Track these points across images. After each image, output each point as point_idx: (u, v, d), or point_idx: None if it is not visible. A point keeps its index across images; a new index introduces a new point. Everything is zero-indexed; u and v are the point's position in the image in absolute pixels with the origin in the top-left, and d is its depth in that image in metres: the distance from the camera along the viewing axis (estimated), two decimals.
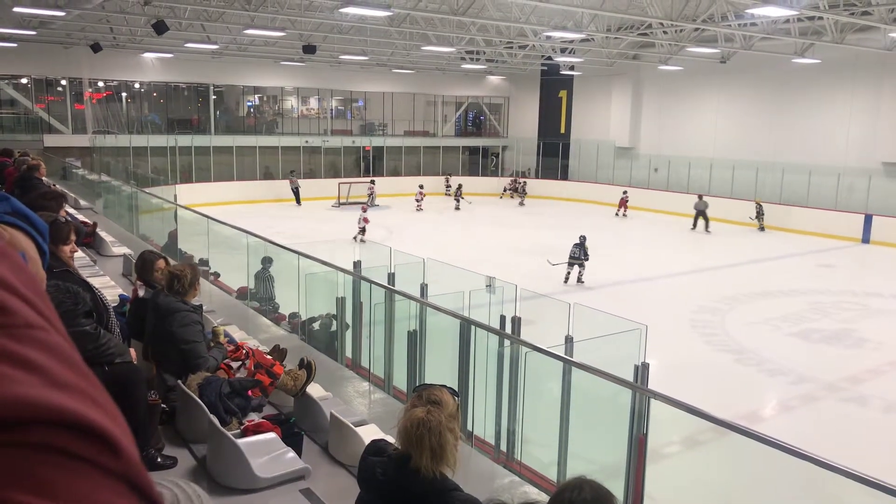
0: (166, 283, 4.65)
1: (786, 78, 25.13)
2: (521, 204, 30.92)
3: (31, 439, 0.38)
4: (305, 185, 29.33)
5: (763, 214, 24.51)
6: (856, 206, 23.18)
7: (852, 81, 23.78)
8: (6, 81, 26.65)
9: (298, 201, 28.67)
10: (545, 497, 4.51)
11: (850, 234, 22.90)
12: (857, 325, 13.46)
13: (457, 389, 2.83)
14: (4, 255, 0.46)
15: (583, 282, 16.26)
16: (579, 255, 16.19)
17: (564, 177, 33.51)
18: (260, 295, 10.69)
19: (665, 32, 21.44)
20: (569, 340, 6.13)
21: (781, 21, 19.25)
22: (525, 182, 32.77)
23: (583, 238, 16.30)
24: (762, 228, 24.38)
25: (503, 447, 6.13)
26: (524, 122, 36.52)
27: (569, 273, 16.34)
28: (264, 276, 10.78)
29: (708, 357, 11.58)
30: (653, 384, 5.12)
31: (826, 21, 18.63)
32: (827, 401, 10.14)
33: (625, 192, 28.32)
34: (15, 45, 23.63)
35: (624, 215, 27.67)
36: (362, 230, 20.80)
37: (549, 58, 27.57)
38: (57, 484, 0.37)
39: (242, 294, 10.33)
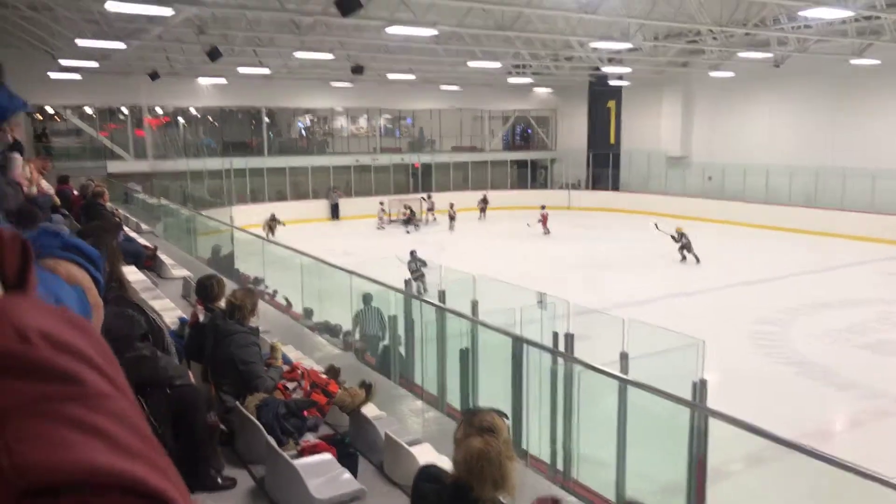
0: (227, 310, 4.77)
1: (844, 80, 24.34)
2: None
3: (98, 503, 0.39)
4: (356, 203, 29.78)
5: (687, 246, 19.62)
6: None
7: None
8: (71, 111, 27.89)
9: (337, 216, 30.01)
10: None
11: None
12: None
13: (505, 410, 2.80)
14: (81, 327, 0.49)
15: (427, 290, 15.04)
16: (418, 267, 15.74)
17: (615, 188, 33.10)
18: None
19: (715, 38, 21.06)
20: (624, 357, 6.01)
21: (837, 22, 18.69)
22: (485, 195, 31.06)
23: (413, 251, 16.09)
24: (684, 258, 19.75)
25: (559, 466, 6.04)
26: (573, 133, 36.27)
27: (419, 286, 14.73)
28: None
29: (771, 371, 11.22)
30: (714, 399, 4.97)
31: (884, 20, 18.01)
32: None
33: (543, 207, 25.83)
34: (79, 77, 24.72)
35: (546, 233, 25.05)
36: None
37: (597, 68, 27.37)
38: None
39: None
